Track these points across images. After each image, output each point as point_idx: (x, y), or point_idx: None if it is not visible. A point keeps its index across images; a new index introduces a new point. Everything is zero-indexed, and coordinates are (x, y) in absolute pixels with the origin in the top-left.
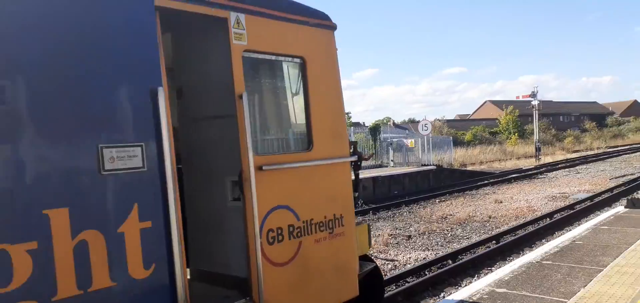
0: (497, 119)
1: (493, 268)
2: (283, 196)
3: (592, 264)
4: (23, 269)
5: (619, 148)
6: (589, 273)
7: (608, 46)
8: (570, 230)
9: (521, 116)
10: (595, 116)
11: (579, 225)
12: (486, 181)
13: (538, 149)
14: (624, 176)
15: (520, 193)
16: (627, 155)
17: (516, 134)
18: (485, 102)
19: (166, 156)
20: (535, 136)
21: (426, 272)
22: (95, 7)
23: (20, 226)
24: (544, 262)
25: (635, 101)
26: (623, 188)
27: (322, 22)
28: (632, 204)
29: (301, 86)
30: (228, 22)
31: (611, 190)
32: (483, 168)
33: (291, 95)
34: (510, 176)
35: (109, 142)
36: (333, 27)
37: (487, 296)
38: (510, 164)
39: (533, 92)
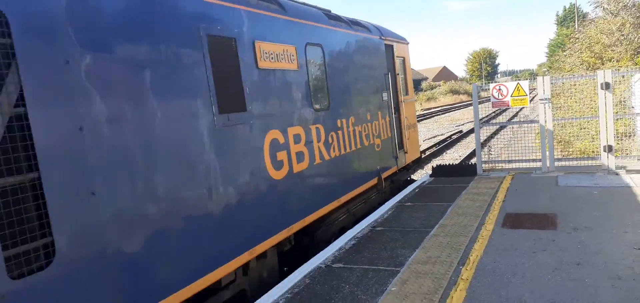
0: None
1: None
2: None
3: (389, 263)
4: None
5: (432, 110)
6: (383, 278)
7: (422, 19)
8: (373, 212)
9: None
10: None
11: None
12: None
13: None
14: (435, 136)
15: None
16: (439, 116)
17: None
18: None
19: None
20: None
21: None
22: (377, 54)
23: None
24: (335, 267)
25: (445, 67)
26: (435, 149)
27: (406, 41)
28: (437, 171)
29: (403, 69)
30: (394, 47)
31: (422, 152)
32: None
33: (403, 75)
34: None
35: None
36: (408, 43)
37: None
38: None
39: None
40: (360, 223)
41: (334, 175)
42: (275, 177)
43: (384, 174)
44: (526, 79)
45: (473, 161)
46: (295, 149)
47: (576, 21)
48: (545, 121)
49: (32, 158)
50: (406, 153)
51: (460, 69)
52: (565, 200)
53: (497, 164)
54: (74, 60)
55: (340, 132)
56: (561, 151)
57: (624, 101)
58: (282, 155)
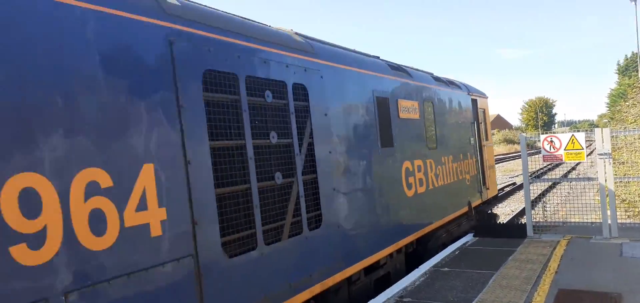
0: None
1: None
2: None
3: None
4: None
5: None
6: None
7: (476, 66)
8: (404, 277)
9: None
10: None
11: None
12: None
13: None
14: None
15: None
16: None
17: None
18: None
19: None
20: None
21: None
22: (466, 107)
23: None
24: None
25: (499, 115)
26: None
27: (486, 96)
28: (481, 231)
29: (484, 119)
30: (477, 101)
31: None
32: None
33: (484, 124)
34: None
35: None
36: (487, 97)
37: None
38: None
39: None
40: (386, 291)
41: (440, 200)
42: (407, 195)
43: (473, 204)
44: (584, 130)
45: (523, 220)
46: (418, 176)
47: None
48: (606, 179)
49: (315, 166)
50: (488, 189)
51: (514, 118)
52: (631, 276)
53: (550, 226)
54: (329, 113)
55: (443, 166)
56: (625, 211)
57: None
58: (411, 179)
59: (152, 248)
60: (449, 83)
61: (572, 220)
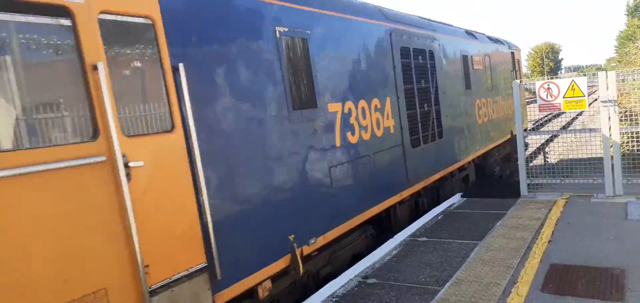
0: None
1: None
2: (521, 98)
3: None
4: None
5: None
6: None
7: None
8: (378, 248)
9: None
10: None
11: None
12: None
13: None
14: None
15: None
16: None
17: None
18: None
19: None
20: None
21: None
22: (507, 58)
23: None
24: None
25: None
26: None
27: (519, 49)
28: (470, 191)
29: (519, 67)
30: (514, 53)
31: None
32: None
33: (519, 71)
34: None
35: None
36: (520, 49)
37: None
38: None
39: None
40: (351, 269)
41: (495, 127)
42: (478, 122)
43: (514, 133)
44: (586, 75)
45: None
46: (483, 110)
47: None
48: (610, 131)
49: (438, 101)
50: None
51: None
52: (637, 245)
53: (547, 183)
54: (443, 68)
55: (496, 104)
56: (632, 162)
57: None
58: (479, 112)
59: (391, 138)
60: (497, 41)
61: (571, 178)
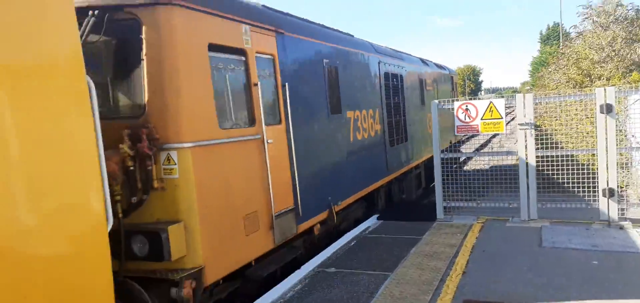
0: None
1: None
2: None
3: None
4: None
5: None
6: None
7: (407, 33)
8: (287, 280)
9: None
10: None
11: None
12: None
13: None
14: None
15: None
16: None
17: None
18: None
19: None
20: None
21: None
22: (449, 80)
23: None
24: None
25: None
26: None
27: (455, 73)
28: (386, 214)
29: (455, 89)
30: (453, 76)
31: None
32: None
33: (455, 91)
34: None
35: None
36: (456, 73)
37: None
38: None
39: None
40: None
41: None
42: (429, 132)
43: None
44: (504, 96)
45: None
46: (431, 123)
47: (561, 37)
48: (526, 154)
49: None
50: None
51: None
52: (553, 275)
53: (463, 206)
54: (407, 88)
55: (441, 118)
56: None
57: (619, 128)
58: (430, 124)
59: (379, 138)
60: (441, 67)
61: (488, 202)
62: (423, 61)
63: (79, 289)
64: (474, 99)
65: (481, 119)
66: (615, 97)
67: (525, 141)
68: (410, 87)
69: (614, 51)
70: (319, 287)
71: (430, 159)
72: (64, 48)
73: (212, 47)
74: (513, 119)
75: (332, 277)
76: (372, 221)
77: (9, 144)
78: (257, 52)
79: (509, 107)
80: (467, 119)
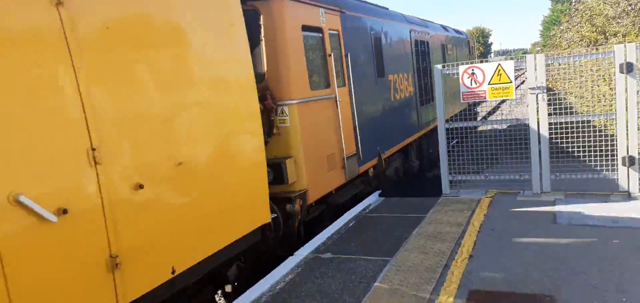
0: None
1: None
2: None
3: None
4: None
5: None
6: None
7: None
8: (279, 268)
9: None
10: None
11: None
12: None
13: None
14: None
15: None
16: None
17: None
18: None
19: None
20: None
21: None
22: (467, 44)
23: None
24: None
25: None
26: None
27: (470, 37)
28: (388, 191)
29: (472, 52)
30: (469, 40)
31: None
32: None
33: (472, 55)
34: None
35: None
36: (471, 37)
37: None
38: None
39: None
40: (240, 298)
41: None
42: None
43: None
44: (513, 58)
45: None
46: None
47: None
48: (538, 121)
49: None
50: None
51: None
52: (568, 257)
53: (470, 180)
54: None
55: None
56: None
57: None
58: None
59: (412, 98)
60: (458, 32)
61: (497, 174)
62: (444, 28)
63: (256, 195)
64: (483, 61)
65: (489, 84)
66: (636, 55)
67: (537, 105)
68: (434, 51)
69: (630, 5)
70: (313, 276)
71: (454, 117)
72: (244, 42)
73: (304, 28)
74: (523, 82)
75: (327, 263)
76: (373, 198)
77: (224, 117)
78: (329, 29)
79: (518, 70)
80: (474, 85)
